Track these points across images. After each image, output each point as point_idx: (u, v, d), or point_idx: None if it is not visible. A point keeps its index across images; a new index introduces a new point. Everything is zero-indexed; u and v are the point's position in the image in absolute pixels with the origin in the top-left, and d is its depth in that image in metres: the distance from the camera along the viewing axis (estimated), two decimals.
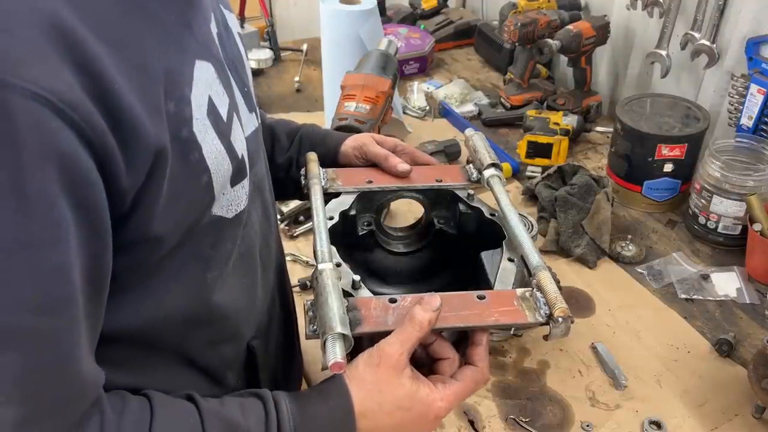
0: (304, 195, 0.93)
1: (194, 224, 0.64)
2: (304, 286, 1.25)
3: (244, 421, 0.63)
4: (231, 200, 0.68)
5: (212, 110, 0.63)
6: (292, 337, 0.97)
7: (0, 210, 0.47)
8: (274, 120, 1.07)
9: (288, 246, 1.37)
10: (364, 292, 0.75)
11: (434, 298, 0.69)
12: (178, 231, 0.62)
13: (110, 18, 0.54)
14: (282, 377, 0.91)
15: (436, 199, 0.96)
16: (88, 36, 0.51)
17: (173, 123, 0.58)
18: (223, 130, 0.65)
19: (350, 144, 1.01)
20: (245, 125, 0.75)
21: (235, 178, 0.68)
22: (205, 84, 0.63)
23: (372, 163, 0.99)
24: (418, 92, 1.93)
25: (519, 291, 0.73)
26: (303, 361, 1.05)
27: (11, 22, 0.47)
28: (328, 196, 0.91)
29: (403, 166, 0.95)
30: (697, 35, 1.50)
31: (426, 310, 0.68)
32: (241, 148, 0.69)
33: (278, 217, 1.40)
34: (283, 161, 1.02)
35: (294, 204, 1.40)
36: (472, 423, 1.02)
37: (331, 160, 1.01)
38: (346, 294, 0.72)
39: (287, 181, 1.01)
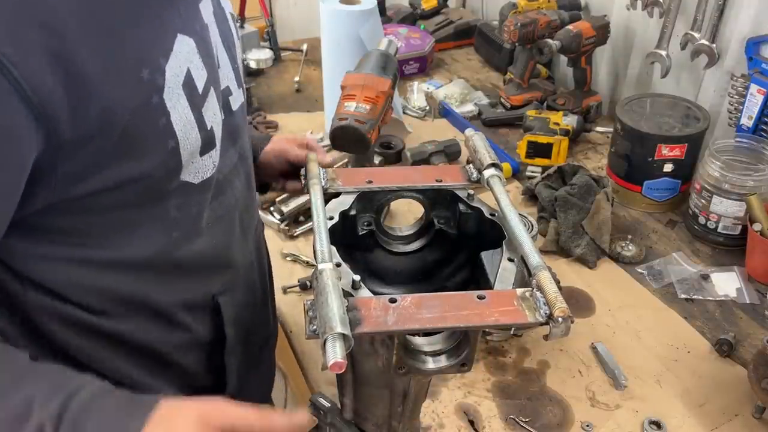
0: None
1: (162, 187, 0.70)
2: (304, 286, 1.25)
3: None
4: (199, 168, 0.73)
5: (188, 82, 0.68)
6: (266, 298, 1.02)
7: None
8: None
9: (288, 246, 1.37)
10: (364, 292, 0.74)
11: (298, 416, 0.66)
12: (138, 187, 0.67)
13: None
14: (252, 334, 0.96)
15: (436, 199, 0.95)
16: (60, 2, 0.56)
17: (145, 89, 0.63)
18: (196, 102, 0.70)
19: (270, 151, 1.04)
20: (234, 100, 0.82)
21: (204, 148, 0.73)
22: (184, 57, 0.68)
23: (295, 168, 1.01)
24: (418, 92, 1.93)
25: (519, 291, 0.73)
26: (278, 323, 1.12)
27: None
28: (328, 196, 0.91)
29: (327, 159, 0.99)
30: (697, 35, 1.50)
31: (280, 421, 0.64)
32: (212, 120, 0.73)
33: (278, 216, 1.40)
34: None
35: (294, 204, 1.40)
36: (472, 423, 1.02)
37: None
38: (346, 294, 0.71)
39: None
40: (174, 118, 0.67)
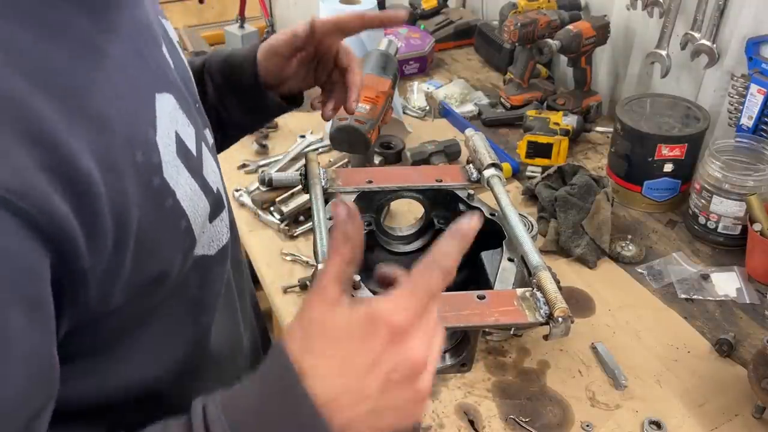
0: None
1: (178, 271, 0.58)
2: (304, 286, 1.25)
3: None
4: (212, 236, 0.64)
5: (181, 147, 0.58)
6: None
7: None
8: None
9: (288, 246, 1.37)
10: (364, 292, 0.75)
11: (337, 206, 0.55)
12: (158, 283, 0.56)
13: (56, 67, 0.47)
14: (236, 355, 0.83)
15: (436, 199, 0.96)
16: (36, 96, 0.44)
17: (143, 174, 0.52)
18: (194, 167, 0.59)
19: (267, 48, 0.88)
20: (208, 142, 0.70)
21: (214, 213, 0.63)
22: (169, 119, 0.57)
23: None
24: (418, 92, 1.93)
25: (519, 291, 0.73)
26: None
27: None
28: (328, 196, 0.91)
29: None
30: (697, 35, 1.50)
31: (337, 227, 0.55)
32: (215, 181, 0.64)
33: (278, 216, 1.40)
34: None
35: (294, 204, 1.40)
36: (472, 423, 1.02)
37: (249, 69, 0.88)
38: None
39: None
40: (180, 196, 0.56)
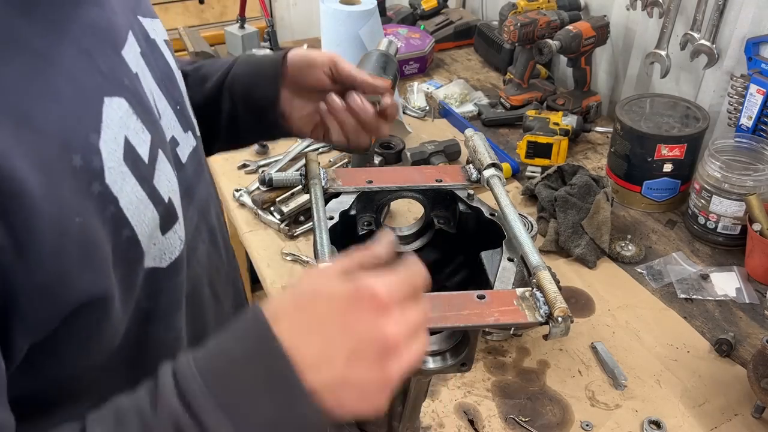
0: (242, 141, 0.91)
1: (125, 284, 0.56)
2: None
3: (128, 400, 0.52)
4: (164, 249, 0.61)
5: (130, 153, 0.55)
6: None
7: None
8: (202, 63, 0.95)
9: (288, 246, 1.37)
10: None
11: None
12: (101, 287, 0.52)
13: None
14: None
15: (436, 199, 0.96)
16: None
17: (81, 179, 0.49)
18: (144, 174, 0.57)
19: (303, 58, 0.86)
20: (182, 149, 0.69)
21: (166, 224, 0.60)
22: (118, 124, 0.54)
23: (340, 88, 0.85)
24: (418, 92, 1.93)
25: (519, 291, 0.73)
26: None
27: None
28: (328, 196, 0.91)
29: (380, 83, 0.86)
30: (696, 35, 1.50)
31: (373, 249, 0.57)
32: (168, 190, 0.60)
33: (278, 216, 1.40)
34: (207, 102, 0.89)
35: (294, 204, 1.41)
36: (472, 423, 1.02)
37: (272, 88, 0.87)
38: None
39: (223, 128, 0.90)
40: (124, 203, 0.53)
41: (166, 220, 0.60)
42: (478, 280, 0.85)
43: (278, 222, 1.41)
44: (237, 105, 0.88)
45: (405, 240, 1.00)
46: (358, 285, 0.52)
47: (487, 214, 0.89)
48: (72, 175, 0.49)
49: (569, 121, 1.62)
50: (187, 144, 0.71)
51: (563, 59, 1.87)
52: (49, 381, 0.56)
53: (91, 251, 0.50)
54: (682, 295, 1.25)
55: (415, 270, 0.55)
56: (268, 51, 2.03)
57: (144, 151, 0.57)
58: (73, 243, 0.48)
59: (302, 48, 0.87)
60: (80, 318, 0.51)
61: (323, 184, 0.91)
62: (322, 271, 0.54)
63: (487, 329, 1.13)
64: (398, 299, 0.52)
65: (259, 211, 1.44)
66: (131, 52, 0.61)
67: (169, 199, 0.60)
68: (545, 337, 0.71)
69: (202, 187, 0.74)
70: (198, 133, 0.76)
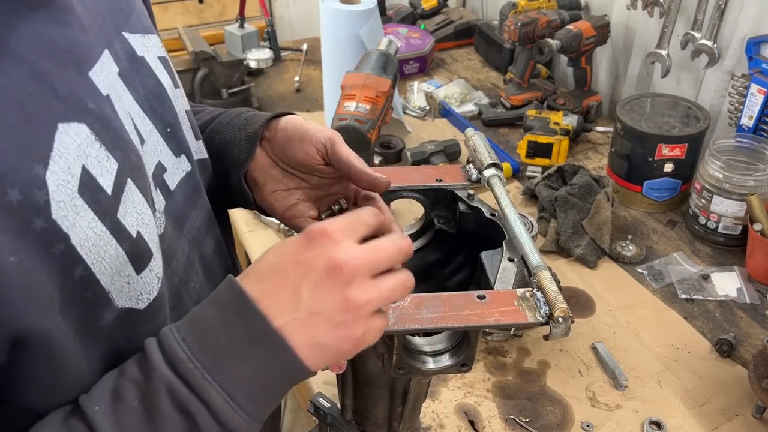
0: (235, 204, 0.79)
1: (83, 324, 0.51)
2: None
3: (120, 377, 0.52)
4: (140, 289, 0.55)
5: (88, 184, 0.49)
6: None
7: None
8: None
9: None
10: None
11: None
12: (43, 326, 0.48)
13: None
14: None
15: (436, 199, 0.95)
16: None
17: (17, 215, 0.45)
18: (106, 207, 0.51)
19: (298, 128, 0.75)
20: (170, 176, 0.64)
21: (138, 262, 0.54)
22: (75, 152, 0.49)
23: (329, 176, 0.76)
24: (418, 92, 1.93)
25: (519, 291, 0.73)
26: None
27: None
28: None
29: (381, 177, 0.75)
30: (697, 35, 1.50)
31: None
32: (137, 224, 0.54)
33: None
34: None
35: None
36: (472, 423, 1.01)
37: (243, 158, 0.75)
38: None
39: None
40: (76, 240, 0.48)
41: (137, 257, 0.54)
42: (479, 280, 0.85)
43: (278, 222, 1.40)
44: (211, 157, 0.77)
45: None
46: (308, 229, 0.55)
47: (487, 214, 0.89)
48: (6, 211, 0.44)
49: (570, 121, 1.62)
50: (179, 169, 0.65)
51: (564, 59, 1.87)
52: (25, 416, 0.53)
53: (32, 289, 0.46)
54: (683, 296, 1.24)
55: (366, 210, 0.58)
56: (267, 51, 2.03)
57: (107, 182, 0.51)
58: (9, 282, 0.44)
59: (300, 117, 0.77)
60: (24, 355, 0.48)
61: None
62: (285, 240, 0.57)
63: (487, 330, 1.12)
64: (348, 233, 0.55)
65: None
66: (103, 73, 0.55)
67: (138, 233, 0.54)
68: (546, 337, 0.70)
69: (195, 215, 0.68)
70: (198, 156, 0.70)
